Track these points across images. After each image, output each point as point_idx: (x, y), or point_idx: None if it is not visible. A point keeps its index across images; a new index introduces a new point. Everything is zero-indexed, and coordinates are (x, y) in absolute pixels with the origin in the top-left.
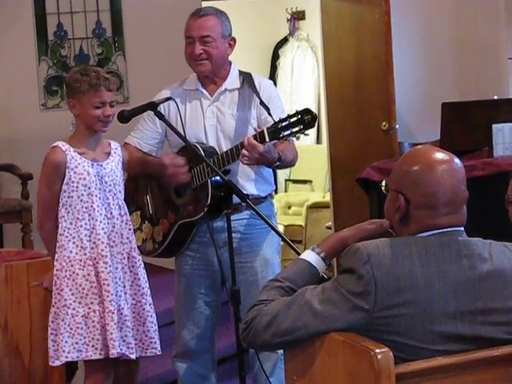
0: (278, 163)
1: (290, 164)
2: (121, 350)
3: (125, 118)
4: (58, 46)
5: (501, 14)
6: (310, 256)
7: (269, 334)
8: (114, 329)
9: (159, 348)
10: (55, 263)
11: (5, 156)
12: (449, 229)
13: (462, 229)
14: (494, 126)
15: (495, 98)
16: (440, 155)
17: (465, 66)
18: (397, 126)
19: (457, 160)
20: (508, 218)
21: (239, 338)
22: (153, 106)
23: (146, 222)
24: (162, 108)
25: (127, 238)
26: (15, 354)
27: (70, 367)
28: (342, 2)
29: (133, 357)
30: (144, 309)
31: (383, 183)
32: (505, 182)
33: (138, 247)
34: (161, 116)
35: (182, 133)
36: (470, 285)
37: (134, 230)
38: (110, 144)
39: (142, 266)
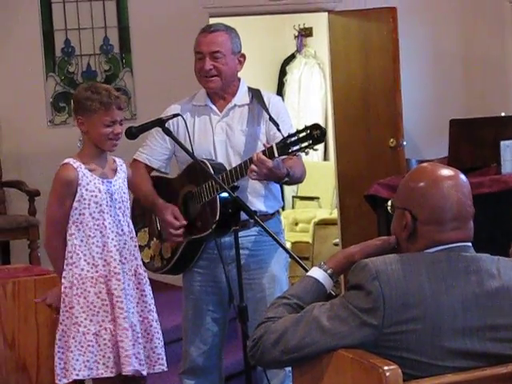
0: (286, 179)
1: (298, 180)
2: (134, 366)
3: (133, 134)
4: (65, 62)
5: (508, 31)
6: (317, 273)
7: (277, 351)
8: (130, 346)
9: (166, 364)
10: (63, 280)
11: (12, 172)
12: (456, 244)
13: (470, 244)
14: (502, 142)
15: (503, 114)
16: (445, 171)
17: (472, 83)
18: (404, 143)
19: (462, 176)
20: None
21: (247, 355)
22: (160, 123)
23: (154, 239)
24: (170, 124)
25: (134, 254)
26: (22, 371)
27: None
28: (349, 19)
29: (144, 373)
30: (151, 325)
31: (389, 203)
32: None
33: (146, 264)
34: (169, 132)
35: (191, 149)
36: (478, 301)
37: (142, 246)
38: (115, 160)
39: (148, 282)
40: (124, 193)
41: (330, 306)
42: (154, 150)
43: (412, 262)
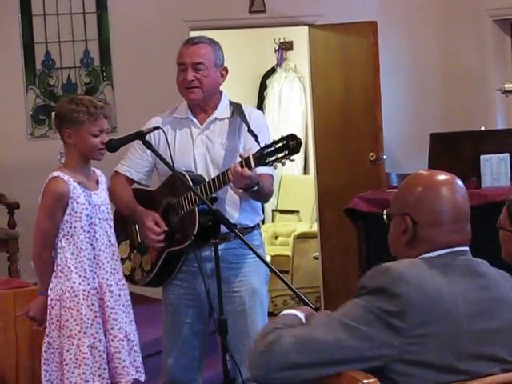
0: (256, 187)
1: (265, 195)
2: (133, 375)
3: (113, 147)
4: (45, 75)
5: (488, 45)
6: (295, 312)
7: (296, 352)
8: (126, 356)
9: (144, 376)
10: (49, 293)
11: None
12: (457, 248)
13: (467, 248)
14: (481, 156)
15: (482, 128)
16: (442, 176)
17: (452, 97)
18: (384, 157)
19: (458, 180)
20: (499, 245)
21: (226, 368)
22: (141, 136)
23: (135, 251)
24: (151, 136)
25: (119, 265)
26: (1, 383)
27: None
28: (329, 32)
29: (142, 379)
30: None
31: (384, 212)
32: (494, 213)
33: (127, 276)
34: (149, 145)
35: (171, 162)
36: (488, 304)
37: (123, 259)
38: (95, 172)
39: (128, 292)
40: (108, 204)
41: (347, 310)
42: (135, 162)
43: (426, 266)
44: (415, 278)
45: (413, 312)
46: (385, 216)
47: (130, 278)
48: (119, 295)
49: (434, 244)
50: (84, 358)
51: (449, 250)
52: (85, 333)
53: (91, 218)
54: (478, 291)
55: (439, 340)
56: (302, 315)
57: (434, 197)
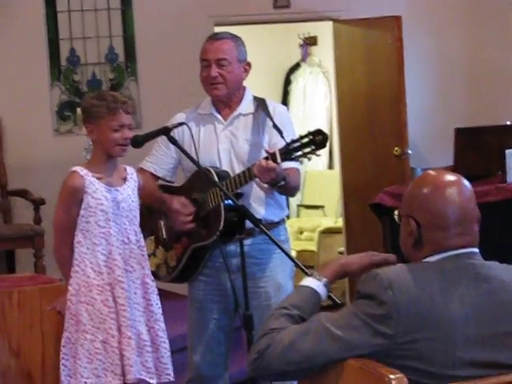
0: (282, 182)
1: (292, 189)
2: (140, 375)
3: (138, 143)
4: (70, 71)
5: None
6: (312, 283)
7: (284, 362)
8: (132, 354)
9: (172, 374)
10: (69, 287)
11: (17, 181)
12: (463, 250)
13: (477, 250)
14: (507, 151)
15: (508, 123)
16: (447, 177)
17: (477, 92)
18: (409, 152)
19: (464, 180)
20: None
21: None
22: (166, 131)
23: (160, 247)
24: (175, 132)
25: (141, 263)
26: (27, 380)
27: None
28: (354, 27)
29: (153, 382)
30: (158, 335)
31: (395, 212)
32: None
33: (152, 272)
34: (174, 141)
35: (196, 157)
36: (490, 309)
37: (148, 255)
38: (125, 169)
39: (156, 292)
40: (132, 201)
41: (339, 315)
42: (159, 159)
43: (422, 271)
44: (404, 284)
45: (400, 319)
46: (396, 216)
47: (154, 274)
48: (135, 293)
49: (438, 246)
50: (96, 353)
51: (452, 253)
52: (98, 328)
53: (107, 213)
54: (478, 296)
55: (431, 346)
56: (319, 284)
57: (438, 199)
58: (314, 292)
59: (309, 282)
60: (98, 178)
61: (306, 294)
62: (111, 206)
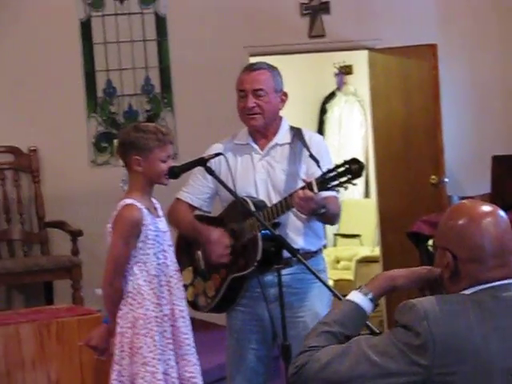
0: (323, 210)
1: (332, 217)
2: None
3: (175, 174)
4: (107, 102)
5: None
6: (357, 297)
7: (321, 381)
8: (201, 380)
9: None
10: (119, 320)
11: (55, 212)
12: (500, 282)
13: None
14: None
15: None
16: (483, 208)
17: None
18: (446, 180)
19: (501, 211)
20: None
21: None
22: (203, 162)
23: (198, 278)
24: (212, 163)
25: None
26: None
27: None
28: (389, 56)
29: None
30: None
31: (430, 242)
32: None
33: (190, 302)
34: (211, 172)
35: (233, 187)
36: None
37: (187, 285)
38: (151, 200)
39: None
40: (169, 231)
41: (378, 341)
42: (196, 189)
43: (458, 303)
44: (440, 316)
45: (435, 351)
46: (430, 246)
47: (193, 304)
48: (188, 320)
49: (475, 280)
50: None
51: (489, 285)
52: (159, 359)
53: (161, 244)
54: None
55: (468, 379)
56: (364, 299)
57: (474, 231)
58: (359, 307)
59: (353, 296)
60: (148, 209)
61: (349, 310)
62: (162, 236)
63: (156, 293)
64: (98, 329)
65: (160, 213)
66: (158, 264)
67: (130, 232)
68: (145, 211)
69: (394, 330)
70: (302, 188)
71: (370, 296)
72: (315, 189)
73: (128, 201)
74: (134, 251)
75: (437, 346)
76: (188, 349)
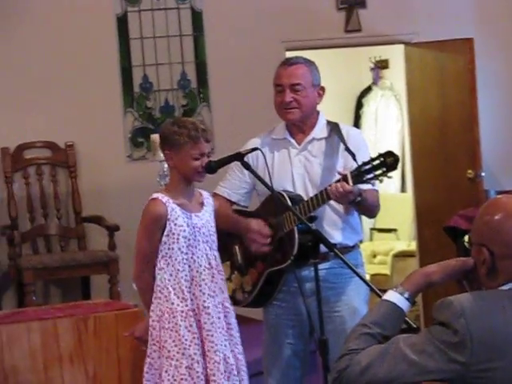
0: (359, 198)
1: (371, 208)
2: None
3: (212, 168)
4: (143, 97)
5: None
6: (393, 297)
7: (363, 383)
8: (221, 379)
9: None
10: (151, 314)
11: (92, 207)
12: None
13: None
14: None
15: None
16: None
17: None
18: (483, 174)
19: None
20: None
21: None
22: (240, 157)
23: (236, 272)
24: (249, 158)
25: (221, 288)
26: None
27: None
28: (425, 50)
29: None
30: (238, 358)
31: (465, 238)
32: None
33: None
34: (248, 166)
35: (270, 182)
36: None
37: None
38: (201, 194)
39: (234, 315)
40: (211, 226)
41: (416, 339)
42: (233, 184)
43: (496, 300)
44: (477, 313)
45: (473, 347)
46: (466, 242)
47: (231, 299)
48: (218, 317)
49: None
50: (182, 379)
51: None
52: (183, 354)
53: (189, 239)
54: None
55: (506, 375)
56: (400, 298)
57: (510, 226)
58: (396, 307)
59: (390, 295)
60: (179, 205)
61: (387, 310)
62: (193, 232)
63: (181, 287)
64: (142, 320)
65: (206, 207)
66: (184, 259)
67: (153, 225)
68: (171, 206)
69: (432, 328)
70: (337, 181)
71: (406, 295)
72: (350, 182)
73: (155, 195)
74: (160, 245)
75: (474, 342)
76: (211, 346)
